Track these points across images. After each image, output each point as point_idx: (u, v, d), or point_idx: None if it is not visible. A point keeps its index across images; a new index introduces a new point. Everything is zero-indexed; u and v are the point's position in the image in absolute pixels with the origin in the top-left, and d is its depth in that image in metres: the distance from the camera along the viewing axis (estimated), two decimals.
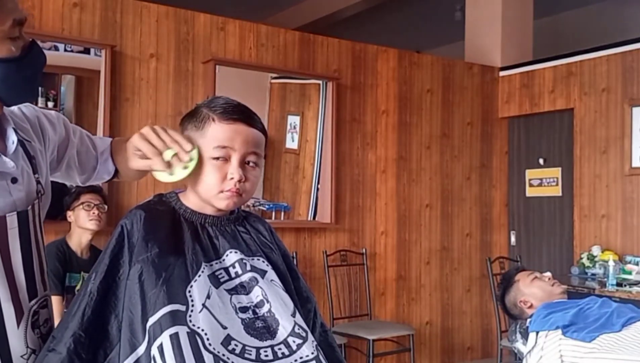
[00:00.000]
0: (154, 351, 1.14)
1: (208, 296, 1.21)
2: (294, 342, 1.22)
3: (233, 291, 1.25)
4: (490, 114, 5.60)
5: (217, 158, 1.28)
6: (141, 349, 1.17)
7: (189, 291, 1.21)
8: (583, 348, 2.32)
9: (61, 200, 3.24)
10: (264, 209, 4.52)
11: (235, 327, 1.20)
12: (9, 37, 1.17)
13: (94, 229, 3.18)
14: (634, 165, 4.76)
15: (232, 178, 1.28)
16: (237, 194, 1.29)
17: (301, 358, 1.20)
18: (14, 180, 1.23)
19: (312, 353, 1.22)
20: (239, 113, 1.30)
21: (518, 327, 2.70)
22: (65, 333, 1.20)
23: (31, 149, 1.31)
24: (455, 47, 6.87)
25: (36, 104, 3.61)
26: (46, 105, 3.70)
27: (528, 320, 2.61)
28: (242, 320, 1.22)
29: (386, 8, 7.12)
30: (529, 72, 5.46)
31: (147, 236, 1.25)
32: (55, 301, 2.96)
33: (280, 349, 1.20)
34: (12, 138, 1.25)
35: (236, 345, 1.18)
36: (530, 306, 2.70)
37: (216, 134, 1.28)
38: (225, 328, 1.19)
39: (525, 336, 2.59)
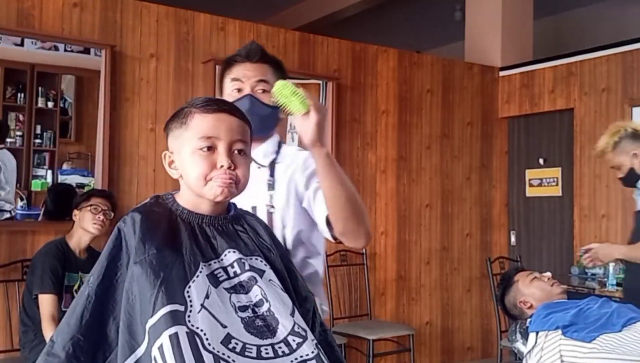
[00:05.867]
0: (155, 352, 1.14)
1: (207, 296, 1.21)
2: (293, 340, 1.22)
3: (232, 290, 1.25)
4: (490, 114, 5.59)
5: (203, 149, 1.28)
6: (140, 350, 1.17)
7: (187, 292, 1.20)
8: (583, 349, 2.31)
9: (69, 203, 3.26)
10: None
11: (235, 326, 1.20)
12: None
13: (95, 233, 3.17)
14: None
15: (221, 166, 1.28)
16: (230, 182, 1.29)
17: (301, 357, 1.20)
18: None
19: (313, 352, 1.22)
20: (220, 103, 1.33)
21: (518, 327, 2.70)
22: (63, 337, 1.20)
23: None
24: (455, 47, 6.86)
25: (36, 104, 3.64)
26: (46, 105, 3.70)
27: (528, 320, 2.61)
28: (242, 318, 1.22)
29: (386, 8, 7.11)
30: (529, 72, 5.46)
31: (144, 238, 1.25)
32: (49, 299, 2.96)
33: (280, 347, 1.21)
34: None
35: (236, 344, 1.18)
36: (530, 307, 2.70)
37: (199, 124, 1.29)
38: (225, 327, 1.19)
39: (525, 336, 2.58)
